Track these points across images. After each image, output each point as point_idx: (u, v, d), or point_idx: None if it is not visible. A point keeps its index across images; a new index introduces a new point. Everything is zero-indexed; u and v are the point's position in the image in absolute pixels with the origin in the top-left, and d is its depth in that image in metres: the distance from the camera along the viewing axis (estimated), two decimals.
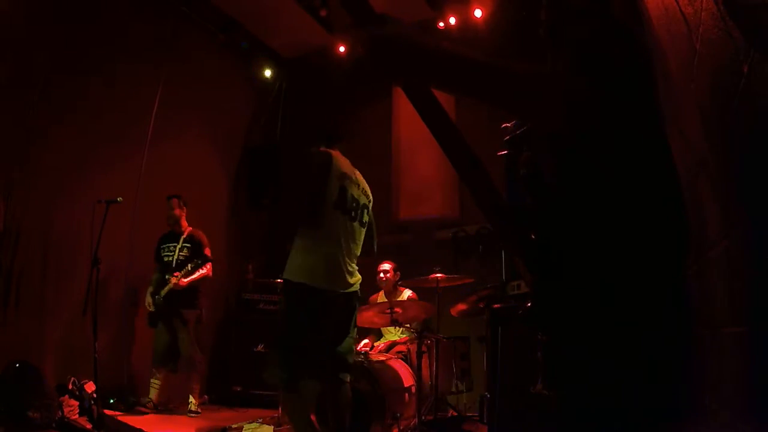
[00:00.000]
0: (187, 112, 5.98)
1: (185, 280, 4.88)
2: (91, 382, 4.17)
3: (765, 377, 1.10)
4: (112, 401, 4.75)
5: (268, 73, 7.05)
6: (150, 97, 5.72)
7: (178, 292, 4.89)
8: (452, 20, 6.08)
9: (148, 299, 4.96)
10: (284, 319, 2.97)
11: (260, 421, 4.40)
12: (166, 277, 4.92)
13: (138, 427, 3.88)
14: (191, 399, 4.93)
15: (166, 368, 4.93)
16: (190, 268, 4.90)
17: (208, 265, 5.04)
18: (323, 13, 6.23)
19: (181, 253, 5.05)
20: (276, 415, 4.55)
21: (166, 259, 5.06)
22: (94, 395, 4.06)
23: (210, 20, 6.17)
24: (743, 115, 0.96)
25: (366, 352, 4.44)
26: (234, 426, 4.24)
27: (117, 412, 4.49)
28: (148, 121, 5.70)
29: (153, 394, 4.86)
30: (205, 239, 5.17)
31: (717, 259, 1.25)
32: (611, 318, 1.08)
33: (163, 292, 4.90)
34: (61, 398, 3.91)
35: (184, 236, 5.13)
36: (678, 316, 1.21)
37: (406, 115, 6.33)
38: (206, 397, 5.87)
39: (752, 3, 0.89)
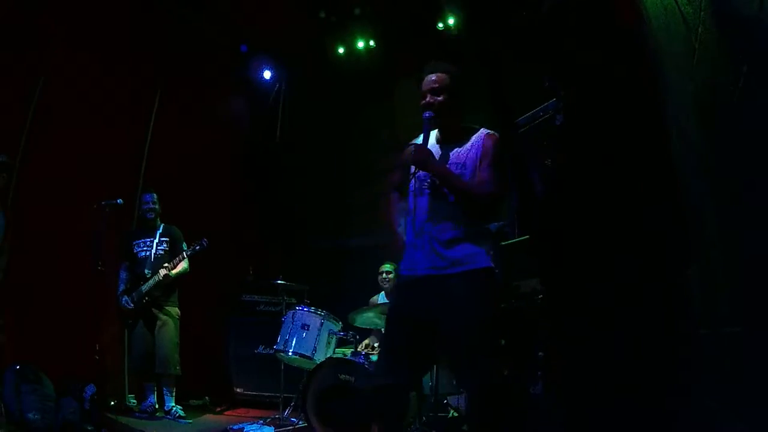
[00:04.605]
0: (187, 113, 5.98)
1: (174, 271, 4.75)
2: (92, 384, 4.16)
3: (764, 377, 1.11)
4: (112, 403, 4.74)
5: (267, 73, 7.05)
6: (150, 97, 5.72)
7: (162, 288, 4.73)
8: (451, 21, 6.07)
9: (124, 300, 4.73)
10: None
11: (261, 422, 4.39)
12: (146, 272, 4.75)
13: (139, 429, 3.88)
14: (173, 403, 4.72)
15: (149, 371, 4.73)
16: (174, 262, 4.76)
17: (185, 260, 4.87)
18: (323, 14, 6.23)
19: (159, 248, 4.89)
20: (277, 415, 4.55)
21: (141, 254, 4.88)
22: (95, 397, 4.06)
23: (210, 21, 6.17)
24: (742, 114, 0.96)
25: (366, 353, 4.44)
26: (235, 427, 4.24)
27: (117, 414, 4.48)
28: (148, 122, 5.70)
29: (153, 398, 4.83)
30: (180, 232, 5.01)
31: (717, 258, 1.25)
32: (610, 317, 1.08)
33: (146, 288, 4.70)
34: (62, 400, 3.90)
35: (160, 230, 4.96)
36: (678, 315, 1.21)
37: (406, 115, 6.31)
38: (207, 398, 5.87)
39: (743, 15, 0.89)
